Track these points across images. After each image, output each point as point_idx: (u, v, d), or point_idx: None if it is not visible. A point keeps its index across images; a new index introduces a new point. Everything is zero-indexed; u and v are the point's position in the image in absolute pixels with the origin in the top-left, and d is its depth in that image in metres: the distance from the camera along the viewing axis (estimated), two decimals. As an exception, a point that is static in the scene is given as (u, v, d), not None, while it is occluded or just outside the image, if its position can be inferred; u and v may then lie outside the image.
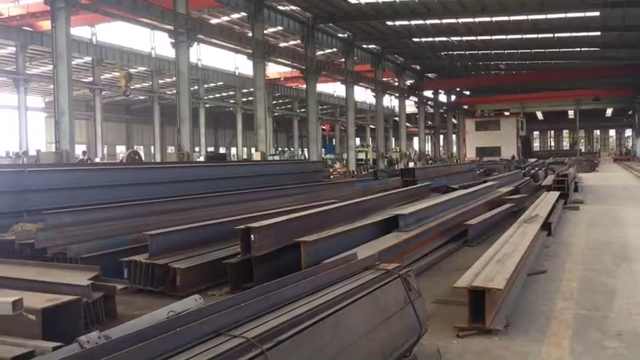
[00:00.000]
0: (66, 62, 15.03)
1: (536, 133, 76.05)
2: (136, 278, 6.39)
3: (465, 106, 56.04)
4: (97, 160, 27.98)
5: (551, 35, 31.56)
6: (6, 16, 22.43)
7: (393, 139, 59.42)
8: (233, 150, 48.72)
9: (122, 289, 5.45)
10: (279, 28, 28.35)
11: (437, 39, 33.56)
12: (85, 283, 4.75)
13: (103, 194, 9.39)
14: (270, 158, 24.83)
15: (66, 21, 15.05)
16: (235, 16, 28.12)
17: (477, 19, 28.59)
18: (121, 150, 44.29)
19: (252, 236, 6.31)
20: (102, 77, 30.44)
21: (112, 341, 2.45)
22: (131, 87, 27.11)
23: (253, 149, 27.46)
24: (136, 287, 6.30)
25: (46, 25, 20.32)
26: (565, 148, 69.94)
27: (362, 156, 43.25)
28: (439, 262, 7.67)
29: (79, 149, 27.79)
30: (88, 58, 28.52)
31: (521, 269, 6.19)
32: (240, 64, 35.79)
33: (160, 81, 33.99)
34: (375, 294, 3.60)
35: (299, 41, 29.99)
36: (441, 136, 56.64)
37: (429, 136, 57.80)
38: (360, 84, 34.94)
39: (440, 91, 50.41)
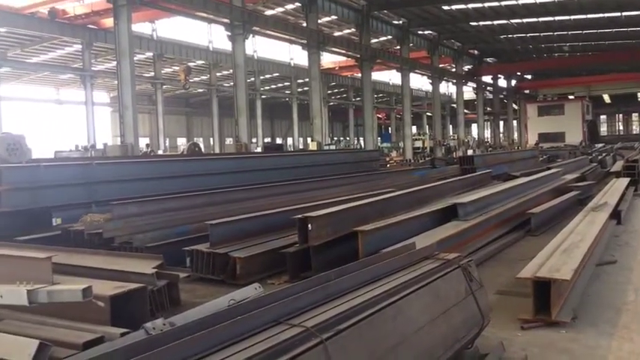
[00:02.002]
0: (128, 58, 15.53)
1: (603, 117, 72.47)
2: (197, 267, 6.56)
3: (527, 91, 54.06)
4: (160, 152, 28.87)
5: (618, 14, 29.90)
6: (72, 15, 23.38)
7: (451, 126, 58.14)
8: (289, 140, 49.11)
9: (185, 277, 5.60)
10: (334, 17, 28.21)
11: (495, 22, 32.48)
12: (150, 271, 4.90)
13: (165, 185, 9.69)
14: (326, 148, 24.88)
15: (128, 18, 15.53)
16: (290, 6, 28.20)
17: (538, 0, 27.47)
18: (181, 142, 45.50)
19: (309, 226, 6.35)
20: (162, 72, 31.29)
21: (177, 328, 2.51)
22: (190, 80, 27.76)
23: (309, 139, 27.56)
24: (198, 275, 6.47)
25: (109, 22, 21.02)
26: (635, 133, 66.38)
27: (419, 144, 42.60)
28: (500, 252, 7.47)
29: (143, 142, 28.73)
30: (149, 54, 29.34)
31: (589, 259, 5.94)
32: (295, 54, 35.93)
33: (218, 74, 34.60)
34: (435, 284, 3.54)
35: (353, 30, 29.78)
36: (501, 123, 54.92)
37: (488, 123, 56.20)
38: (416, 71, 34.34)
39: (499, 76, 48.83)
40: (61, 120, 34.69)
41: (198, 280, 6.41)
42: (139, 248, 6.78)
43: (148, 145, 28.69)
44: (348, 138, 50.16)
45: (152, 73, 30.70)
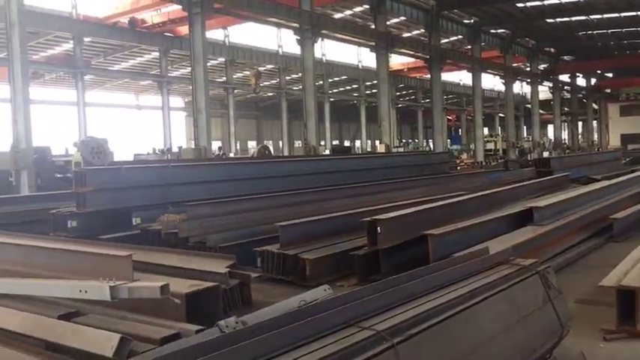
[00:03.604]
0: (202, 64, 16.05)
1: (694, 117, 67.62)
2: (268, 267, 6.67)
3: (608, 90, 51.30)
4: (231, 155, 29.63)
5: None
6: (150, 24, 24.50)
7: (525, 127, 56.13)
8: (357, 143, 49.05)
9: (256, 277, 5.71)
10: (402, 18, 27.95)
11: (574, 18, 31.07)
12: (223, 270, 5.02)
13: (237, 187, 9.93)
14: (394, 150, 24.65)
15: (202, 25, 16.06)
16: (358, 9, 28.20)
17: (621, -6, 26.05)
18: (252, 145, 46.45)
19: (378, 228, 6.31)
20: (234, 76, 32.13)
21: (249, 327, 2.56)
22: (260, 84, 28.34)
23: (377, 141, 27.44)
24: (268, 276, 6.57)
25: (184, 30, 21.84)
26: None
27: (490, 146, 41.38)
28: (580, 259, 7.12)
29: (215, 145, 29.61)
30: (222, 59, 30.23)
31: (679, 268, 5.54)
32: (364, 56, 35.87)
33: (287, 77, 35.11)
34: (511, 291, 3.42)
35: (422, 30, 29.36)
36: (580, 123, 52.45)
37: (566, 124, 53.82)
38: (488, 71, 33.41)
39: (578, 74, 46.65)
40: (139, 124, 36.35)
41: (268, 280, 6.51)
42: (212, 248, 6.97)
43: (220, 148, 29.54)
44: (416, 140, 49.45)
45: (224, 78, 31.60)
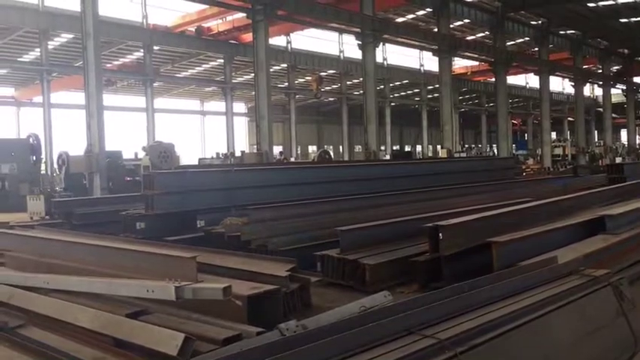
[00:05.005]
0: (265, 70, 16.35)
1: None
2: (328, 271, 6.67)
3: (686, 92, 48.36)
4: (292, 159, 29.98)
5: None
6: (215, 32, 25.23)
7: (596, 132, 53.70)
8: (418, 148, 48.46)
9: (316, 281, 5.73)
10: (466, 20, 27.42)
11: (649, 17, 29.53)
12: (283, 274, 5.07)
13: (298, 191, 10.01)
14: (456, 155, 24.19)
15: (265, 32, 16.38)
16: (420, 12, 27.89)
17: None
18: (312, 149, 46.78)
19: (440, 235, 6.18)
20: (295, 82, 32.50)
21: (310, 331, 2.57)
22: (322, 89, 28.54)
23: (439, 146, 27.00)
24: (328, 280, 6.58)
25: (248, 37, 22.35)
26: None
27: (559, 151, 39.82)
28: (657, 271, 6.70)
29: (277, 150, 30.03)
30: (284, 65, 30.67)
31: None
32: (426, 60, 35.45)
33: (348, 82, 35.17)
34: (580, 302, 3.27)
35: (487, 33, 28.69)
36: (656, 128, 49.65)
37: (640, 128, 51.11)
38: (557, 73, 32.23)
39: (654, 76, 44.24)
40: (204, 129, 37.40)
41: (328, 284, 6.51)
42: (273, 251, 7.05)
43: (281, 153, 29.93)
44: (480, 145, 48.34)
45: (286, 84, 32.02)
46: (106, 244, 5.52)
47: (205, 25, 24.66)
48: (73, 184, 15.17)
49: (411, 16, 28.71)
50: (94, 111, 12.87)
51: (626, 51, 39.50)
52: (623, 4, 26.73)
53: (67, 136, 23.05)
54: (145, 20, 23.03)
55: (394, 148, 45.72)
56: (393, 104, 40.44)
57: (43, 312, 4.11)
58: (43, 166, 19.13)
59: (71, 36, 21.76)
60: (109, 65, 25.01)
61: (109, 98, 23.44)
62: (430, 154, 42.62)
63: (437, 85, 25.52)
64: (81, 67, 14.89)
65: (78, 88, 21.08)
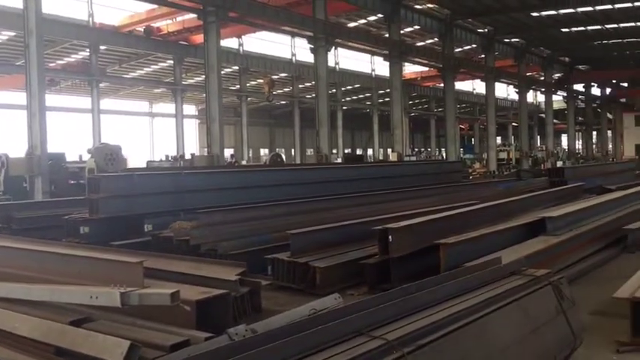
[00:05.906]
0: (216, 72, 16.16)
1: None
2: (278, 275, 6.66)
3: (623, 100, 50.85)
4: (244, 162, 29.73)
5: None
6: (165, 32, 24.74)
7: (539, 137, 55.75)
8: (369, 151, 49.02)
9: (266, 284, 5.70)
10: (416, 27, 27.95)
11: (589, 28, 30.86)
12: (233, 278, 5.03)
13: (248, 195, 9.94)
14: (406, 159, 24.59)
15: (217, 34, 16.19)
16: (372, 18, 28.24)
17: (637, 4, 25.79)
18: (264, 152, 46.58)
19: (389, 237, 6.27)
20: (247, 84, 32.28)
21: (259, 335, 2.56)
22: (273, 92, 28.45)
23: (390, 150, 27.40)
24: (278, 284, 6.56)
25: (199, 38, 22.02)
26: None
27: (503, 155, 41.11)
28: (594, 270, 7.03)
29: (228, 152, 29.73)
30: (235, 67, 30.41)
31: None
32: (377, 65, 35.91)
33: (300, 86, 35.22)
34: (523, 302, 3.39)
35: (436, 39, 29.34)
36: (594, 133, 51.96)
37: (580, 133, 53.39)
38: (502, 80, 33.27)
39: (592, 84, 46.29)
40: (153, 131, 36.62)
41: (279, 288, 6.50)
42: (223, 255, 6.98)
43: (232, 156, 29.63)
44: (429, 149, 49.33)
45: (238, 86, 31.76)
46: (47, 249, 5.31)
47: (155, 25, 24.15)
48: (12, 187, 14.54)
49: (362, 21, 29.02)
50: (35, 111, 12.40)
51: (567, 59, 41.23)
52: (564, 14, 27.86)
53: (6, 137, 22.13)
54: (91, 19, 22.33)
55: (346, 151, 46.07)
56: (344, 108, 40.76)
57: (-22, 321, 3.92)
58: (-20, 169, 18.25)
59: (13, 33, 20.91)
60: (52, 64, 24.15)
61: (52, 98, 22.63)
62: (381, 158, 43.16)
63: (388, 90, 25.87)
64: (22, 66, 14.30)
65: (19, 87, 20.23)
